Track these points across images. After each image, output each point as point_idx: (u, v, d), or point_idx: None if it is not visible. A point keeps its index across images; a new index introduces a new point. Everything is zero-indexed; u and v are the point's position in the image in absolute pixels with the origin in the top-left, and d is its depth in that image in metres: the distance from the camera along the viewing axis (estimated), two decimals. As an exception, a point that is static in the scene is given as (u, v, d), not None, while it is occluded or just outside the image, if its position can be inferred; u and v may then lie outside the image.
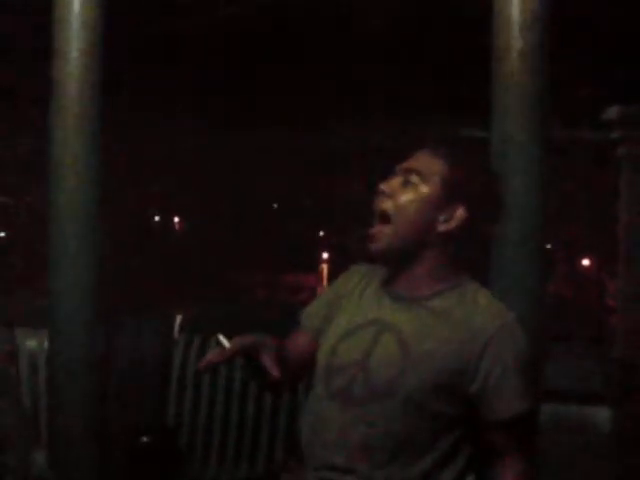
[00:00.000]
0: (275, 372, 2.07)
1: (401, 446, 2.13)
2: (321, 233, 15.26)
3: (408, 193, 2.17)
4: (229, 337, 2.04)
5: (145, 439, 1.90)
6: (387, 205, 2.17)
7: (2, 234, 14.16)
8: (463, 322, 2.14)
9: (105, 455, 2.85)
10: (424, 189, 2.17)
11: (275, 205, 15.15)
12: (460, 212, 2.16)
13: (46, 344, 2.98)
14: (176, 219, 16.09)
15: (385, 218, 2.16)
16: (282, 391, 2.40)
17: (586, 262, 21.26)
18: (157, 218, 15.61)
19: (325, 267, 25.73)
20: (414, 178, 2.17)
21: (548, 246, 2.66)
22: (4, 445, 1.70)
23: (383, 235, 2.16)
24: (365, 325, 2.21)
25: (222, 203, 13.32)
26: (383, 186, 2.20)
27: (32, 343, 3.02)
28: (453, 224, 2.16)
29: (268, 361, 2.10)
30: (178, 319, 3.03)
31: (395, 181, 2.20)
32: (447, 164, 2.19)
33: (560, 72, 2.61)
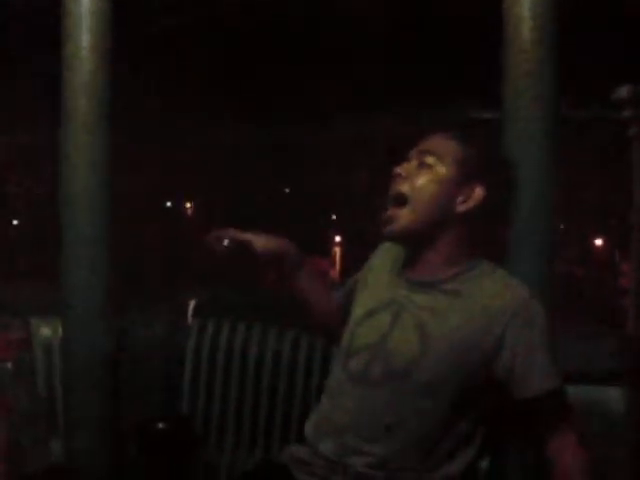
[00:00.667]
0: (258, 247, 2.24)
1: (417, 429, 2.14)
2: (334, 217, 15.24)
3: (425, 175, 2.17)
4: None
5: (161, 425, 1.90)
6: (404, 187, 2.17)
7: (15, 222, 14.19)
8: (481, 303, 2.14)
9: (120, 441, 2.87)
10: (441, 170, 2.17)
11: (287, 189, 15.14)
12: (478, 191, 2.16)
13: (60, 332, 2.99)
14: (188, 204, 16.10)
15: (401, 200, 2.17)
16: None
17: (599, 242, 21.22)
18: (169, 204, 15.62)
19: (338, 250, 25.74)
20: (430, 159, 2.18)
21: (561, 226, 2.66)
22: (22, 433, 1.71)
23: (399, 217, 2.17)
24: (383, 307, 2.23)
25: (234, 188, 13.32)
26: (399, 169, 2.20)
27: (46, 331, 3.03)
28: (472, 204, 2.16)
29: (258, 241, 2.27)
30: (191, 304, 3.04)
31: (411, 164, 2.21)
32: (462, 145, 2.20)
33: (573, 49, 2.59)
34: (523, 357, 2.10)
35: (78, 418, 2.93)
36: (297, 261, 2.39)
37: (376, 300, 2.26)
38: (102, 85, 2.99)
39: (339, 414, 2.20)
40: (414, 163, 2.20)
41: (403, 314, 2.18)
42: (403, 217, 2.16)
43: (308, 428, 2.30)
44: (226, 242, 2.22)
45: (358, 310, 2.29)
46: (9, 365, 1.72)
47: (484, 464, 2.27)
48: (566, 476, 2.11)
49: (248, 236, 2.31)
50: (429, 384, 2.11)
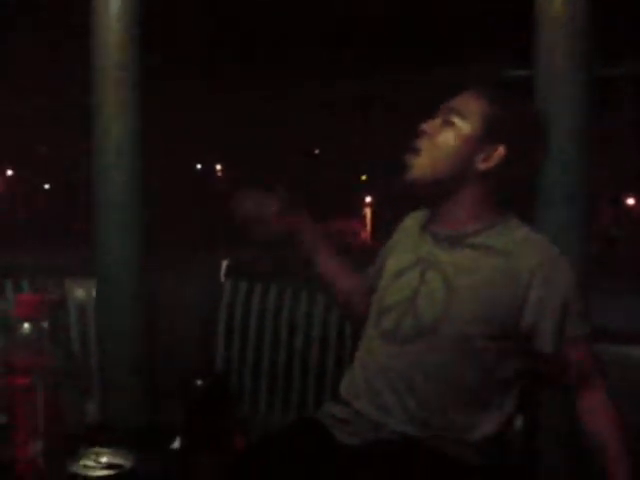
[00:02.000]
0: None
1: (448, 385, 2.14)
2: (363, 177, 15.21)
3: (446, 132, 2.20)
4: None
5: (198, 382, 1.91)
6: (422, 143, 2.20)
7: (47, 186, 14.28)
8: (505, 256, 2.16)
9: (155, 400, 2.89)
10: (464, 127, 2.21)
11: (317, 151, 15.11)
12: (500, 151, 2.18)
13: (94, 293, 3.01)
14: (218, 167, 16.11)
15: (414, 151, 2.21)
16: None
17: (631, 201, 21.04)
18: (199, 166, 15.66)
19: (368, 211, 25.71)
20: (454, 117, 2.21)
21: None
22: (59, 393, 1.72)
23: (413, 165, 2.19)
24: (411, 266, 2.25)
25: (264, 150, 13.32)
26: (424, 125, 2.23)
27: (80, 292, 3.05)
28: (492, 163, 2.19)
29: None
30: (224, 264, 3.04)
31: (436, 121, 2.23)
32: (489, 103, 2.21)
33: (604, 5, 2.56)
34: (548, 313, 2.11)
35: (113, 378, 2.96)
36: (313, 245, 2.42)
37: (404, 260, 2.29)
38: (133, 42, 2.98)
39: (372, 373, 2.22)
40: (439, 120, 2.22)
41: (429, 270, 2.20)
42: (416, 165, 2.20)
43: (343, 388, 2.31)
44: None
45: (387, 274, 2.32)
46: (45, 325, 1.73)
47: (518, 424, 2.27)
48: (600, 441, 2.11)
49: (273, 199, 2.36)
50: (457, 338, 2.13)
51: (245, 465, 2.06)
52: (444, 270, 2.18)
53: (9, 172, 13.53)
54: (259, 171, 13.57)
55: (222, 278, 3.02)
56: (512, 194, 2.28)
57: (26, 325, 1.72)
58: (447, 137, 2.18)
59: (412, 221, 2.40)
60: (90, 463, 1.86)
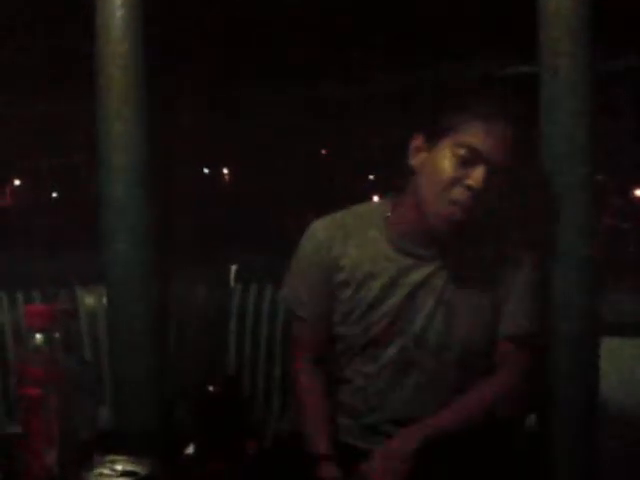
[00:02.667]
0: None
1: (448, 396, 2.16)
2: (371, 177, 15.18)
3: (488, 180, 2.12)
4: None
5: (210, 388, 1.91)
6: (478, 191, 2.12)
7: (54, 194, 14.28)
8: (485, 267, 2.17)
9: (168, 407, 2.89)
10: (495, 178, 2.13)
11: (323, 151, 15.10)
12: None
13: (104, 301, 3.02)
14: (225, 170, 16.11)
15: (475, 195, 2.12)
16: None
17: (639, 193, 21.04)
18: (206, 170, 15.66)
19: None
20: (489, 170, 2.12)
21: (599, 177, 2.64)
22: (72, 400, 1.73)
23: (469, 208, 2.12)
24: (391, 291, 2.19)
25: (270, 152, 13.32)
26: (473, 183, 2.12)
27: (91, 300, 3.06)
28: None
29: None
30: (233, 268, 3.04)
31: (481, 174, 2.11)
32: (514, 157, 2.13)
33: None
34: (512, 302, 2.18)
35: (125, 385, 2.96)
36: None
37: (376, 286, 2.23)
38: (135, 47, 2.97)
39: (388, 403, 2.21)
40: (482, 171, 2.12)
41: (419, 292, 2.18)
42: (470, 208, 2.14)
43: (348, 402, 2.30)
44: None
45: (358, 304, 2.25)
46: (57, 335, 1.74)
47: (530, 421, 2.27)
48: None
49: None
50: (462, 354, 2.14)
51: (258, 470, 2.07)
52: (435, 288, 2.18)
53: (17, 182, 13.61)
54: (266, 173, 13.56)
55: (232, 282, 3.03)
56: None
57: (38, 336, 1.73)
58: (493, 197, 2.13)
59: (339, 236, 2.30)
60: (105, 471, 1.87)
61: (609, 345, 2.38)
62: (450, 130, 2.12)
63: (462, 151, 2.09)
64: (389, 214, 2.27)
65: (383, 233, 2.25)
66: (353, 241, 2.28)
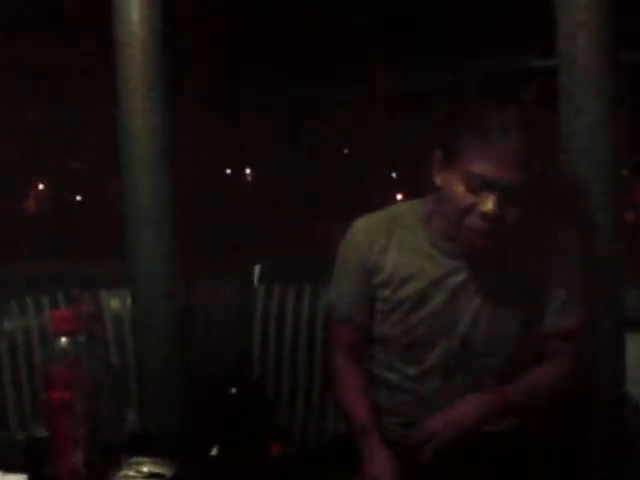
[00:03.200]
0: None
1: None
2: (394, 175, 15.16)
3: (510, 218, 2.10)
4: None
5: (233, 390, 1.92)
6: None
7: (78, 197, 14.34)
8: (529, 258, 2.15)
9: (193, 408, 2.90)
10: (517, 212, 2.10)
11: (346, 150, 15.09)
12: None
13: (129, 304, 3.03)
14: (247, 171, 16.12)
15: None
16: None
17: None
18: (228, 171, 15.68)
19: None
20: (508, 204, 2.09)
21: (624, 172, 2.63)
22: (98, 403, 1.74)
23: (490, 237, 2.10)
24: (433, 292, 2.18)
25: (293, 152, 13.31)
26: (486, 210, 2.08)
27: (116, 304, 3.07)
28: None
29: None
30: (257, 269, 3.04)
31: (493, 201, 2.08)
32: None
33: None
34: (556, 301, 2.17)
35: (150, 388, 2.98)
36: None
37: (419, 287, 2.21)
38: (156, 53, 2.98)
39: (421, 409, 2.20)
40: (494, 199, 2.07)
41: (462, 294, 2.17)
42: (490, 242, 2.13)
43: (389, 405, 2.30)
44: None
45: (399, 305, 2.24)
46: (82, 338, 1.75)
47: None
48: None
49: None
50: (507, 357, 2.14)
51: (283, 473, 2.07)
52: (478, 289, 2.16)
53: (40, 186, 13.69)
54: (289, 173, 13.56)
55: (255, 283, 3.03)
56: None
57: (63, 339, 1.74)
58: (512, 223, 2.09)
59: (381, 236, 2.29)
60: (131, 473, 1.88)
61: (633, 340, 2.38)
62: (461, 156, 2.09)
63: (472, 180, 2.07)
64: (426, 215, 2.26)
65: (422, 234, 2.24)
66: (393, 242, 2.27)
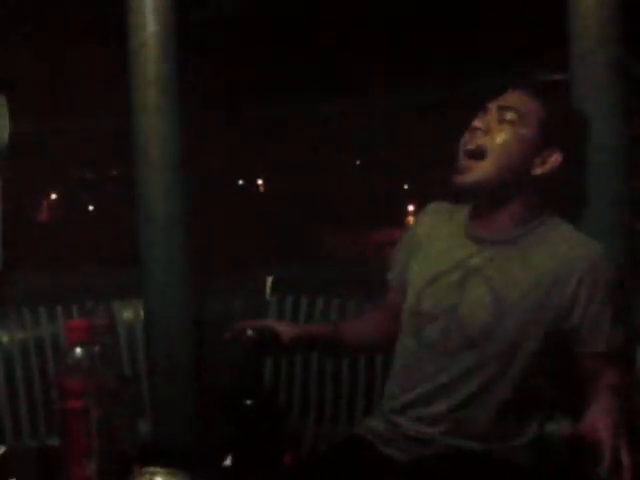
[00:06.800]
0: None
1: (494, 394, 2.14)
2: (405, 186, 15.16)
3: (506, 131, 2.13)
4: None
5: (246, 401, 1.93)
6: (483, 140, 2.13)
7: (91, 207, 14.38)
8: (552, 257, 2.12)
9: (206, 419, 2.91)
10: (522, 129, 2.13)
11: (358, 162, 15.10)
12: (556, 156, 2.13)
13: (142, 315, 3.04)
14: (260, 181, 16.15)
15: (480, 153, 2.13)
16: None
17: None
18: (241, 182, 15.71)
19: (412, 220, 25.78)
20: (511, 116, 2.13)
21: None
22: (112, 414, 1.75)
23: (475, 169, 2.12)
24: (449, 270, 2.20)
25: (303, 163, 13.32)
26: (478, 122, 2.16)
27: (128, 314, 3.08)
28: (548, 167, 2.14)
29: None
30: (269, 280, 3.05)
31: (490, 117, 2.16)
32: (544, 105, 2.15)
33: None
34: (593, 314, 2.09)
35: (163, 398, 2.98)
36: (330, 334, 2.38)
37: (440, 264, 2.23)
38: (170, 67, 2.99)
39: (418, 384, 2.20)
40: (494, 117, 2.16)
41: (472, 277, 2.16)
42: (479, 169, 2.12)
43: (386, 400, 2.31)
44: (249, 332, 2.21)
45: (418, 277, 2.27)
46: (96, 349, 1.76)
47: (554, 428, 2.25)
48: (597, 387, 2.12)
49: (269, 323, 2.33)
50: (509, 344, 2.11)
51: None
52: (489, 277, 2.15)
53: (53, 196, 13.74)
54: (300, 184, 13.58)
55: (268, 294, 3.04)
56: (560, 198, 2.26)
57: (77, 350, 1.75)
58: (508, 138, 2.11)
59: (436, 217, 2.34)
60: (144, 483, 1.88)
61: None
62: None
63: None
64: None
65: (464, 219, 2.27)
66: (438, 221, 2.33)
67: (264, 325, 2.28)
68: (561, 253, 2.12)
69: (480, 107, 2.20)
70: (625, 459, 1.93)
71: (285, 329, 2.26)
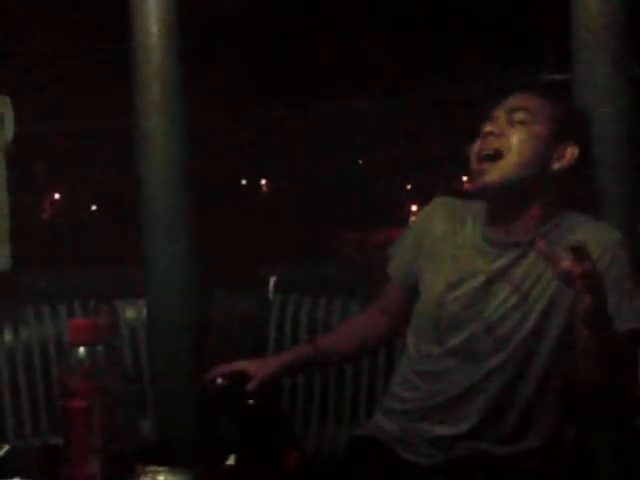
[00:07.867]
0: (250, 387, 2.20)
1: (516, 396, 2.12)
2: (408, 186, 15.15)
3: (519, 131, 2.13)
4: None
5: (251, 401, 1.93)
6: (498, 144, 2.13)
7: (94, 207, 14.36)
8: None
9: (208, 419, 2.91)
10: (534, 126, 2.13)
11: (360, 161, 15.10)
12: (572, 150, 2.12)
13: (145, 314, 3.04)
14: (263, 181, 16.15)
15: (497, 156, 2.12)
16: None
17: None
18: (244, 182, 15.69)
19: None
20: (521, 116, 2.13)
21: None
22: (115, 413, 1.75)
23: (493, 170, 2.12)
24: (470, 275, 2.18)
25: (307, 163, 13.32)
26: (490, 127, 2.16)
27: (131, 314, 3.08)
28: (566, 163, 2.13)
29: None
30: (272, 280, 3.05)
31: (500, 122, 2.16)
32: (551, 102, 2.15)
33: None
34: (619, 294, 2.06)
35: (166, 397, 2.98)
36: (310, 355, 2.41)
37: (458, 270, 2.22)
38: (174, 68, 2.99)
39: (440, 389, 2.19)
40: (504, 121, 2.16)
41: (496, 281, 2.16)
42: (498, 169, 2.12)
43: (398, 403, 2.29)
44: (219, 380, 2.21)
45: (437, 283, 2.24)
46: (99, 348, 1.76)
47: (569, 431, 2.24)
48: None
49: (240, 365, 2.30)
50: (532, 348, 2.11)
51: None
52: (513, 279, 2.15)
53: (56, 196, 13.71)
54: (303, 184, 13.57)
55: (270, 294, 3.04)
56: (578, 193, 2.25)
57: (81, 349, 1.75)
58: (522, 137, 2.12)
59: (445, 217, 2.32)
60: (147, 482, 1.88)
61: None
62: None
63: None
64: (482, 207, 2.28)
65: (478, 222, 2.25)
66: (450, 221, 2.31)
67: (235, 370, 2.27)
68: (585, 240, 2.10)
69: (480, 107, 2.20)
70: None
71: (258, 370, 2.26)
